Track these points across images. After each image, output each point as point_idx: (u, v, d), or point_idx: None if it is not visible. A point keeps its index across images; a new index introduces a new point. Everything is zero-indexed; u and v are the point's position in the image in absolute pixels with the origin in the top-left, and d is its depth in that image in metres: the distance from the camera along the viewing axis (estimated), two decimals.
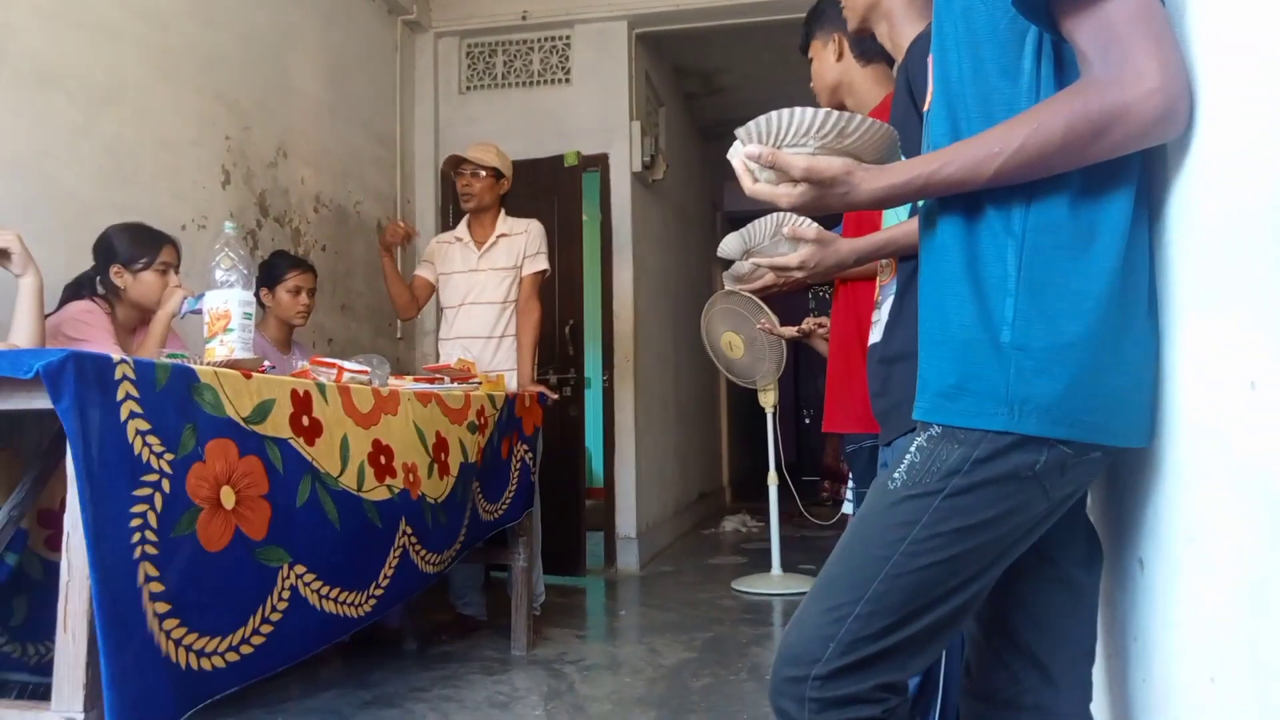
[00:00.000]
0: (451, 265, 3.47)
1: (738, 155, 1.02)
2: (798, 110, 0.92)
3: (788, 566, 4.40)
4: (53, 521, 1.95)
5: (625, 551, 4.80)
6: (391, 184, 4.69)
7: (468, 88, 5.03)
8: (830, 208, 0.99)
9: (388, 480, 2.16)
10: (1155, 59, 0.80)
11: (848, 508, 2.83)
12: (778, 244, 1.54)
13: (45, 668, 1.92)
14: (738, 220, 8.74)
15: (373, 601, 2.02)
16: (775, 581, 4.24)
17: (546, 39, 4.98)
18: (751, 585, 4.23)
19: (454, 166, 3.42)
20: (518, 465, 3.09)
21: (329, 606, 1.84)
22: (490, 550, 3.16)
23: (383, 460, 2.16)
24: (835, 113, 0.92)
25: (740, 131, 0.98)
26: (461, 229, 3.51)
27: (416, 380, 2.78)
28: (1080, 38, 0.84)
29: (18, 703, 1.72)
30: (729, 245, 1.59)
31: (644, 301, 5.07)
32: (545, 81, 4.97)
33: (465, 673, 2.93)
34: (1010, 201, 0.91)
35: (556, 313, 4.50)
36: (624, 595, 4.29)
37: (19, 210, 2.41)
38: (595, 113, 4.86)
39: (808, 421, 10.85)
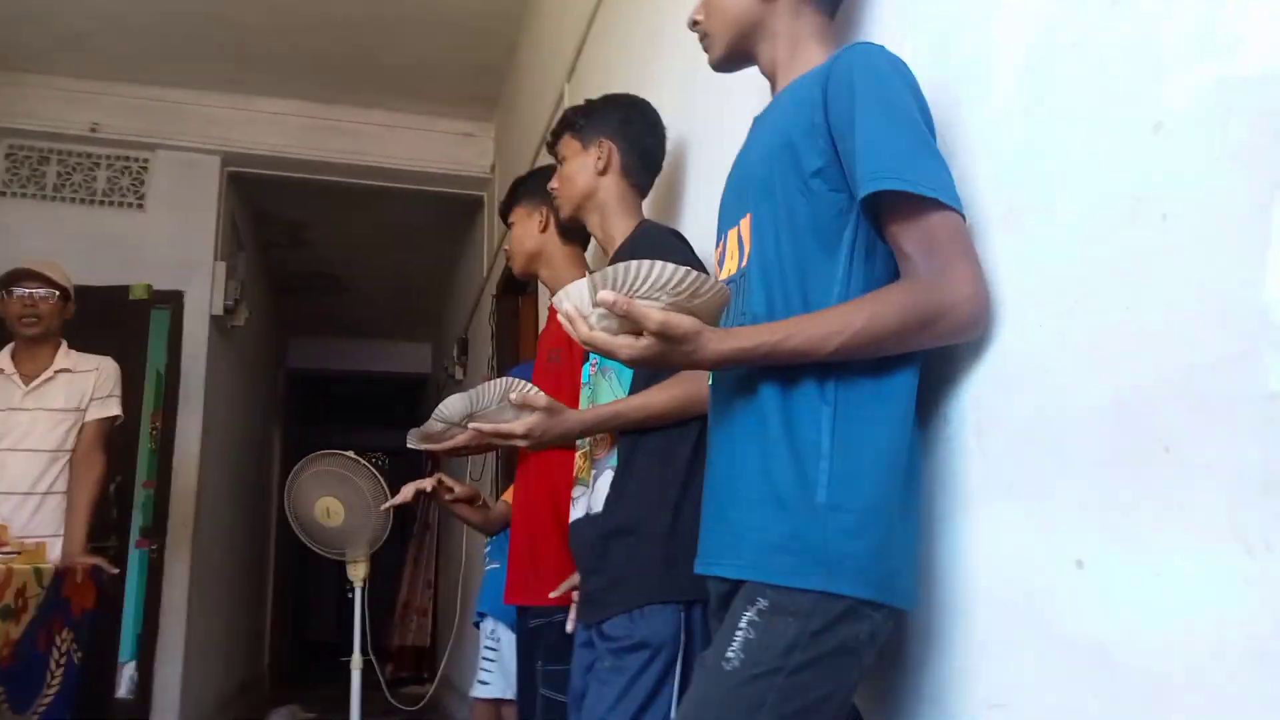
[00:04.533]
0: None
1: (570, 301, 0.97)
2: (658, 264, 0.91)
3: None
4: None
5: None
6: None
7: (3, 193, 4.21)
8: (669, 364, 0.98)
9: None
10: (971, 269, 0.95)
11: (480, 690, 2.65)
12: (503, 409, 1.47)
13: None
14: (304, 379, 8.31)
15: None
16: None
17: (119, 157, 4.41)
18: None
19: (11, 282, 2.77)
20: (61, 661, 2.43)
21: None
22: None
23: None
24: (692, 271, 0.92)
25: (593, 277, 0.94)
26: (3, 358, 2.82)
27: None
28: (905, 241, 0.96)
29: None
30: (453, 406, 1.48)
31: (210, 459, 4.47)
32: (112, 203, 4.36)
33: None
34: (825, 369, 0.98)
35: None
36: None
37: None
38: (172, 246, 4.34)
39: (350, 595, 10.18)
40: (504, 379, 1.47)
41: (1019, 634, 0.90)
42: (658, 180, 1.83)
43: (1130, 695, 0.77)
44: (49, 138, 4.28)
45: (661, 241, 1.57)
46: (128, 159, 4.41)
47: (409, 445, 1.76)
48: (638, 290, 0.92)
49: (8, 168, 4.25)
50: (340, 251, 6.31)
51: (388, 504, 3.27)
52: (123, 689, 4.36)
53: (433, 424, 1.61)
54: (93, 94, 4.30)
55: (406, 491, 2.80)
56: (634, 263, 0.92)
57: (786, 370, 0.99)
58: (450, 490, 2.54)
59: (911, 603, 0.98)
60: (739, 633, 0.94)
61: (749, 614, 0.95)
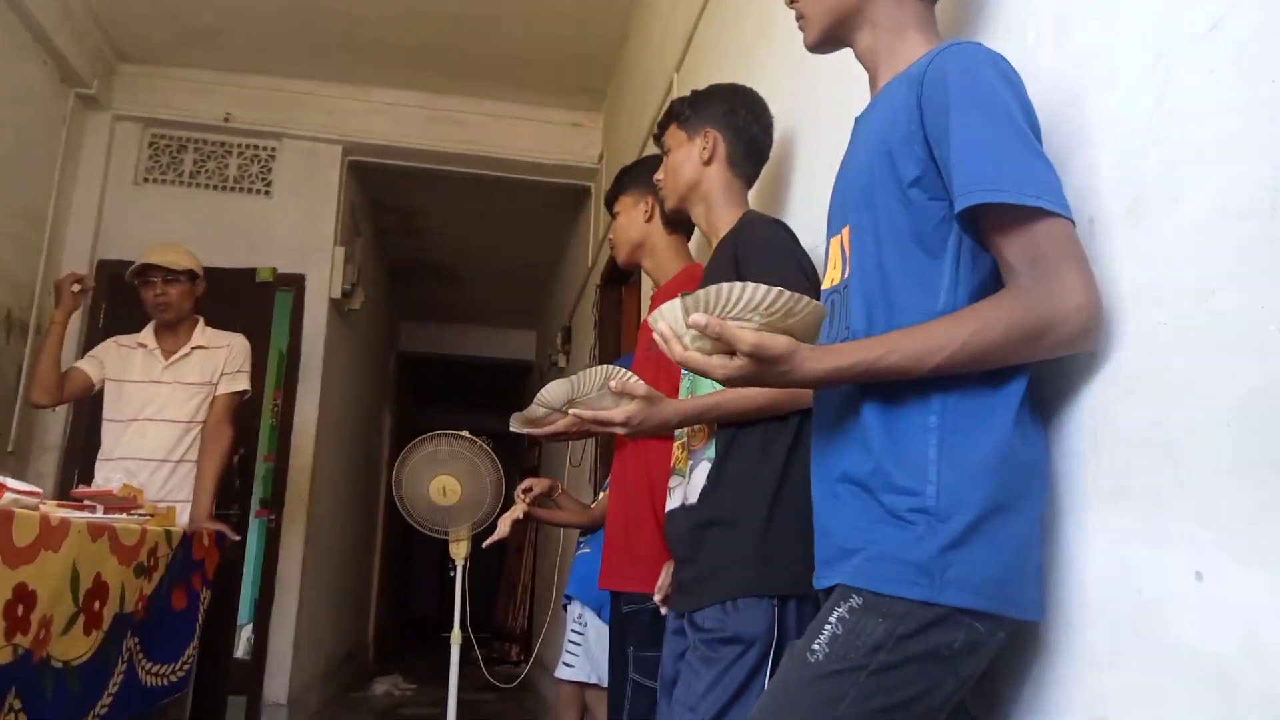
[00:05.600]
0: (129, 373, 2.93)
1: (664, 320, 0.98)
2: (750, 285, 0.92)
3: None
4: None
5: None
6: (33, 270, 3.96)
7: (146, 180, 4.48)
8: (765, 383, 0.98)
9: (16, 638, 1.67)
10: (1080, 278, 0.90)
11: (564, 672, 2.71)
12: (603, 396, 1.49)
13: None
14: (413, 361, 8.59)
15: None
16: None
17: (249, 146, 4.63)
18: None
19: (140, 275, 2.95)
20: (200, 618, 2.58)
21: None
22: None
23: (20, 610, 1.68)
24: (786, 293, 0.92)
25: (684, 299, 0.95)
26: (147, 334, 3.01)
27: (63, 507, 2.26)
28: (1008, 251, 0.92)
29: None
30: (554, 392, 1.51)
31: (326, 436, 4.67)
32: (242, 189, 4.59)
33: None
34: (928, 383, 0.96)
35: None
36: None
37: None
38: (296, 231, 4.55)
39: (451, 575, 10.50)
40: (605, 366, 1.49)
41: (1128, 645, 0.86)
42: (765, 170, 1.82)
43: (1247, 717, 0.74)
44: (186, 127, 4.54)
45: (765, 233, 1.56)
46: (257, 148, 4.64)
47: (511, 428, 1.81)
48: (730, 312, 0.93)
49: (150, 155, 4.52)
50: (451, 239, 6.49)
51: (487, 542, 3.36)
52: (240, 650, 4.62)
53: (534, 409, 1.64)
54: (225, 85, 4.54)
55: (503, 528, 2.87)
56: (726, 285, 0.92)
57: (890, 380, 0.97)
58: (537, 500, 2.61)
59: (1030, 612, 0.95)
60: (828, 627, 0.95)
61: (840, 610, 0.95)
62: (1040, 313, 0.89)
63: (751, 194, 1.79)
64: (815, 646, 0.94)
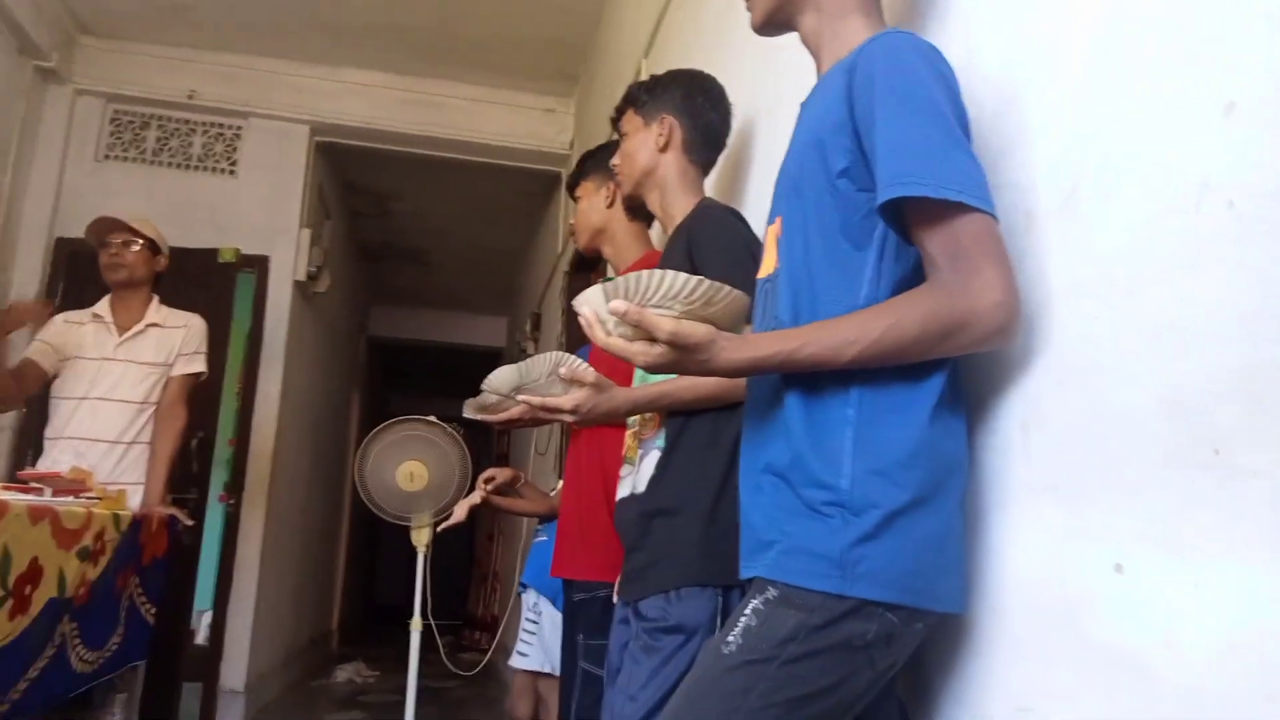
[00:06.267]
0: (80, 349, 2.86)
1: (589, 305, 0.98)
2: (669, 273, 0.92)
3: None
4: None
5: (228, 708, 4.12)
6: None
7: (107, 156, 4.40)
8: (685, 371, 0.98)
9: None
10: (999, 275, 0.89)
11: (519, 660, 2.70)
12: (552, 383, 1.48)
13: None
14: (384, 346, 8.53)
15: None
16: None
17: (214, 124, 4.56)
18: None
19: (102, 233, 2.89)
20: (126, 603, 2.54)
21: None
22: (68, 709, 2.52)
23: None
24: (705, 281, 0.92)
25: (605, 286, 0.94)
26: (102, 306, 2.94)
27: (8, 489, 2.22)
28: (930, 245, 0.91)
29: None
30: (501, 378, 1.49)
31: (288, 420, 4.62)
32: (206, 169, 4.51)
33: None
34: (849, 375, 0.95)
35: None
36: None
37: None
38: (260, 211, 4.48)
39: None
40: (554, 353, 1.47)
41: (1053, 637, 0.86)
42: (724, 158, 1.80)
43: (1165, 709, 0.74)
44: (149, 103, 4.46)
45: (719, 221, 1.55)
46: (222, 126, 4.57)
47: (465, 414, 1.78)
48: (650, 299, 0.93)
49: (112, 131, 4.44)
50: (424, 223, 6.44)
51: (442, 526, 3.36)
52: (200, 636, 4.57)
53: (486, 395, 1.63)
54: (191, 62, 4.46)
55: (459, 513, 2.88)
56: (647, 272, 0.93)
57: (811, 372, 0.97)
58: (499, 489, 2.61)
59: (949, 605, 0.95)
60: (743, 619, 0.95)
61: (755, 602, 0.96)
62: (956, 309, 0.89)
63: (708, 182, 1.78)
64: (730, 639, 0.95)
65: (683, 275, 0.91)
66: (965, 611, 0.97)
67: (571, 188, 2.16)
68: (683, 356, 0.94)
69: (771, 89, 1.84)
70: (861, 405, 0.95)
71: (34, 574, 1.98)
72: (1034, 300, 0.93)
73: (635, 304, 0.93)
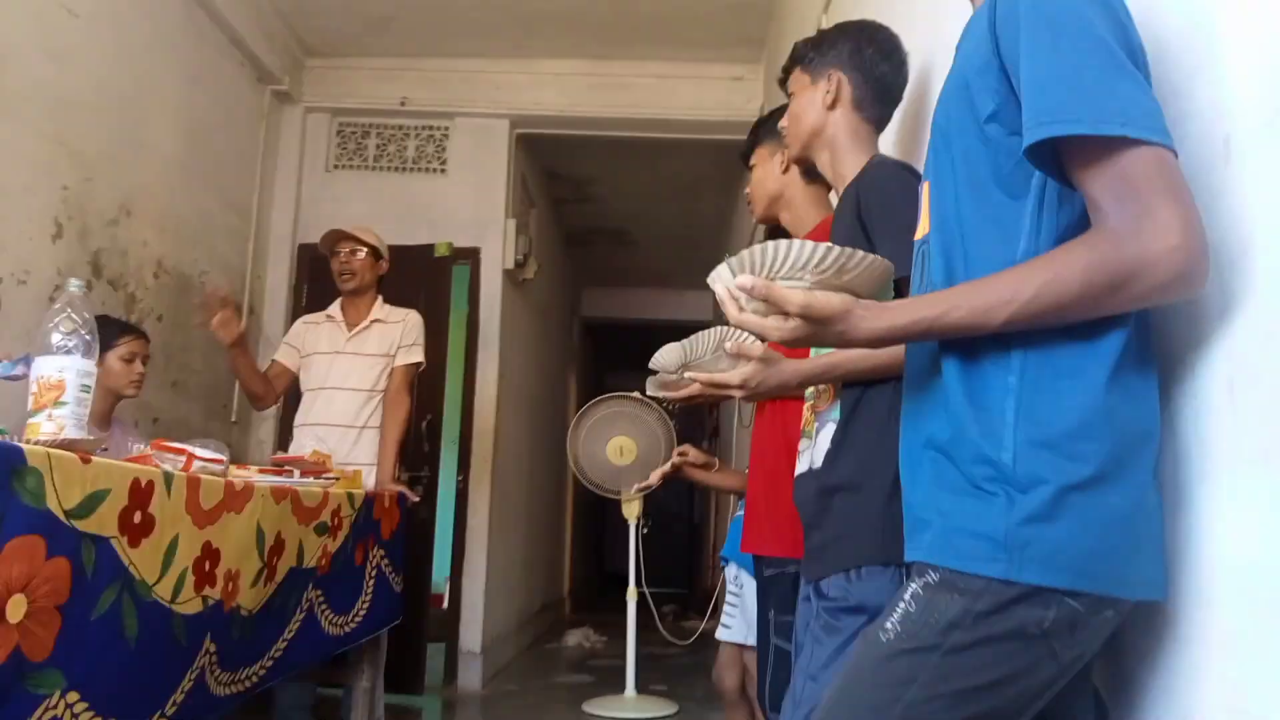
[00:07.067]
0: (317, 345, 3.20)
1: (721, 282, 0.94)
2: (795, 243, 0.86)
3: (640, 687, 4.19)
4: None
5: (467, 668, 4.45)
6: (243, 256, 4.37)
7: (335, 166, 4.81)
8: (824, 344, 0.93)
9: (205, 590, 1.84)
10: (1176, 215, 0.77)
11: (723, 633, 2.71)
12: (718, 359, 1.46)
13: None
14: (595, 326, 8.82)
15: None
16: (630, 704, 4.02)
17: (424, 127, 4.86)
18: (605, 708, 3.98)
19: (332, 244, 3.19)
20: (373, 574, 2.80)
21: None
22: (326, 667, 2.81)
23: (207, 566, 1.85)
24: (835, 248, 0.86)
25: (731, 260, 0.91)
26: (334, 308, 3.27)
27: (264, 472, 2.48)
28: (1093, 187, 0.81)
29: None
30: (666, 357, 1.50)
31: (506, 401, 4.89)
32: (420, 169, 4.82)
33: None
34: (1009, 337, 0.86)
35: (414, 407, 4.24)
36: (467, 719, 3.94)
37: None
38: (470, 206, 4.74)
39: (644, 532, 10.79)
40: (719, 328, 1.45)
41: (1273, 630, 0.75)
42: (901, 112, 1.70)
43: None
44: (368, 113, 4.82)
45: (890, 179, 1.46)
46: (432, 128, 4.86)
47: (647, 393, 1.81)
48: (779, 271, 0.88)
49: (338, 143, 4.85)
50: (624, 204, 6.57)
51: (638, 487, 3.46)
52: (441, 602, 4.97)
53: (663, 374, 1.63)
54: (401, 70, 4.77)
55: (653, 478, 2.95)
56: (772, 243, 0.88)
57: (968, 338, 0.88)
58: (694, 465, 2.64)
59: (1144, 591, 0.85)
60: (901, 605, 0.89)
61: (914, 586, 0.89)
62: (1125, 257, 0.78)
63: (885, 139, 1.68)
64: (888, 625, 0.89)
65: (811, 244, 0.86)
66: (1165, 598, 0.86)
67: (745, 156, 2.11)
68: (817, 329, 0.89)
69: (950, 34, 1.70)
70: (1025, 371, 0.86)
71: (278, 547, 2.22)
72: (1236, 240, 0.80)
73: (763, 277, 0.89)
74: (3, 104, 2.77)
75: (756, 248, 0.89)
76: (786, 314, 0.90)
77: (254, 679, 2.14)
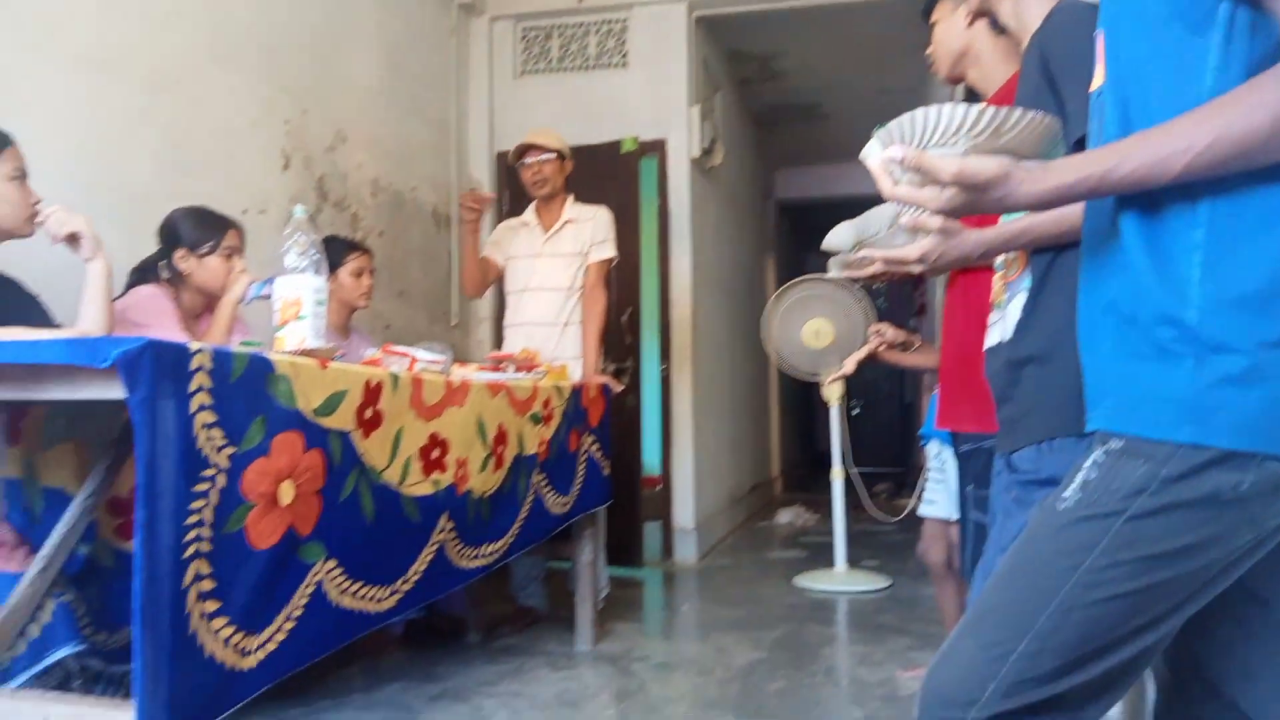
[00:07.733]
0: (517, 249, 3.39)
1: (874, 156, 0.92)
2: (945, 107, 0.83)
3: (852, 562, 4.28)
4: (122, 509, 1.91)
5: (682, 543, 4.71)
6: (446, 170, 4.63)
7: (523, 72, 4.94)
8: (985, 211, 0.89)
9: (434, 475, 2.06)
10: None
11: (927, 509, 2.71)
12: (895, 235, 1.43)
13: (114, 654, 1.91)
14: (791, 208, 8.65)
15: (397, 597, 1.92)
16: (839, 578, 4.12)
17: (603, 22, 4.86)
18: (815, 581, 4.11)
19: (519, 155, 3.33)
20: (584, 458, 3.01)
21: (347, 602, 1.75)
22: (552, 543, 3.08)
23: (435, 454, 2.07)
24: (989, 108, 0.82)
25: (880, 131, 0.89)
26: (529, 214, 3.43)
27: (482, 369, 2.70)
28: None
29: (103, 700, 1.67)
30: (840, 236, 1.49)
31: (701, 289, 4.96)
32: (602, 65, 4.86)
33: (531, 667, 2.86)
34: (1195, 187, 0.80)
35: (614, 300, 4.40)
36: (684, 589, 4.20)
37: (78, 195, 2.34)
38: (652, 98, 4.74)
39: (855, 413, 10.71)
40: (891, 204, 1.42)
41: None
42: None
43: None
44: (548, 15, 4.88)
45: (1075, 24, 1.33)
46: (610, 22, 4.86)
47: (830, 275, 1.80)
48: (930, 140, 0.85)
49: (523, 49, 4.95)
50: (812, 78, 6.32)
51: (833, 376, 3.43)
52: (655, 483, 5.23)
53: (846, 254, 1.62)
54: None
55: (849, 365, 2.94)
56: (921, 111, 0.84)
57: (1146, 191, 0.82)
58: (889, 346, 2.61)
59: None
60: (1080, 474, 0.87)
61: (1095, 454, 0.86)
62: None
63: None
64: (1066, 494, 0.87)
65: (963, 106, 0.83)
66: None
67: (926, 12, 1.99)
68: (976, 196, 0.86)
69: None
70: (1213, 225, 0.80)
71: (502, 437, 2.43)
72: None
73: (914, 147, 0.87)
74: (227, 56, 3.06)
75: (905, 117, 0.87)
76: (942, 184, 0.88)
77: (496, 555, 2.41)
